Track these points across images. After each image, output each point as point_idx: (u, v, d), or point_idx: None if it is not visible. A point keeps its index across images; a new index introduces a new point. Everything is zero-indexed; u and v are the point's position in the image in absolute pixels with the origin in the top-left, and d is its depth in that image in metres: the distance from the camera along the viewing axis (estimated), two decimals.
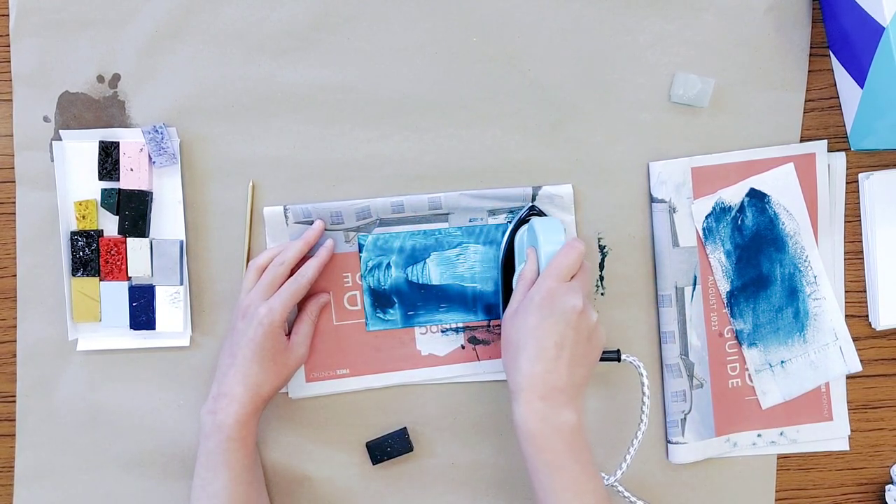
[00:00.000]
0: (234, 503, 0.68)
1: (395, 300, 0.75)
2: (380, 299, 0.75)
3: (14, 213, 0.76)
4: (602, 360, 0.68)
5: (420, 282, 0.75)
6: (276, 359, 0.70)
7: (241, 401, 0.68)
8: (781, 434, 0.78)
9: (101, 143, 0.74)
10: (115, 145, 0.74)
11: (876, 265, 0.77)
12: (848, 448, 0.79)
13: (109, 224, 0.75)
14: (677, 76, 0.75)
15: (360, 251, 0.74)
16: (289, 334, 0.73)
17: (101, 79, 0.75)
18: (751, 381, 0.77)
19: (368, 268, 0.75)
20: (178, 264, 0.75)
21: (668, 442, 0.77)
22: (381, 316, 0.75)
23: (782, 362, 0.77)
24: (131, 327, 0.75)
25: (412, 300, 0.75)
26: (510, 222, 0.74)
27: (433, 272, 0.75)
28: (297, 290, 0.70)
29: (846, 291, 0.79)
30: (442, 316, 0.75)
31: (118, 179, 0.74)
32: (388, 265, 0.74)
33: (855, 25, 0.70)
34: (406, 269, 0.74)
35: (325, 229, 0.75)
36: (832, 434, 0.79)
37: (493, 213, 0.75)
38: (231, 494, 0.68)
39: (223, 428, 0.68)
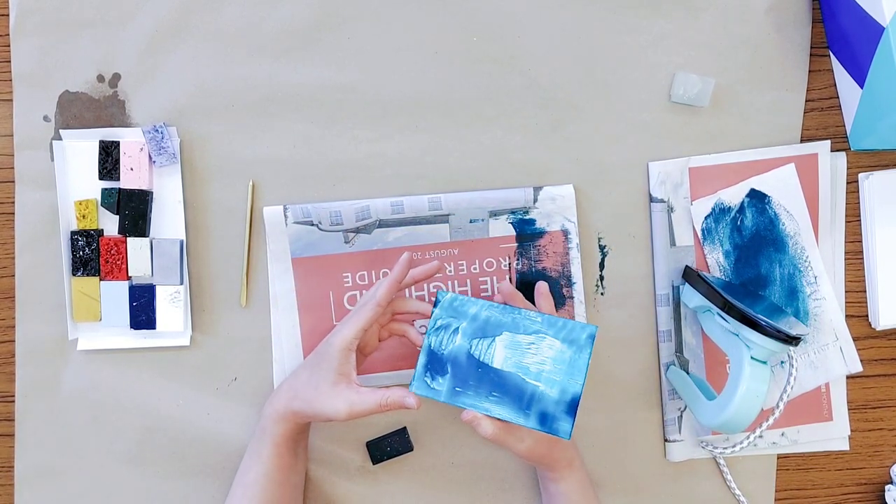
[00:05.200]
0: (265, 500, 0.68)
1: (449, 370, 0.66)
2: (434, 364, 0.66)
3: (14, 213, 0.76)
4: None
5: (481, 359, 0.66)
6: (319, 383, 0.66)
7: (280, 398, 0.69)
8: (783, 435, 0.78)
9: (102, 142, 0.74)
10: (116, 145, 0.74)
11: (876, 265, 0.77)
12: (848, 448, 0.79)
13: (109, 223, 0.75)
14: (677, 76, 0.75)
15: (435, 306, 0.67)
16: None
17: (101, 78, 0.75)
18: None
19: (436, 325, 0.67)
20: (179, 264, 0.75)
21: (666, 440, 0.77)
22: (428, 381, 0.66)
23: (782, 363, 0.77)
24: (131, 327, 0.75)
25: (465, 376, 0.66)
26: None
27: (498, 353, 0.66)
28: (363, 313, 0.66)
29: (846, 291, 0.79)
30: (489, 405, 0.65)
31: (118, 179, 0.74)
32: (456, 330, 0.67)
33: (855, 25, 0.70)
34: (472, 341, 0.67)
35: (325, 230, 0.75)
36: (832, 434, 0.79)
37: (494, 214, 0.75)
38: (263, 490, 0.68)
39: (262, 417, 0.70)
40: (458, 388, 0.66)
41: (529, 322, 0.66)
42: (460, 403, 0.65)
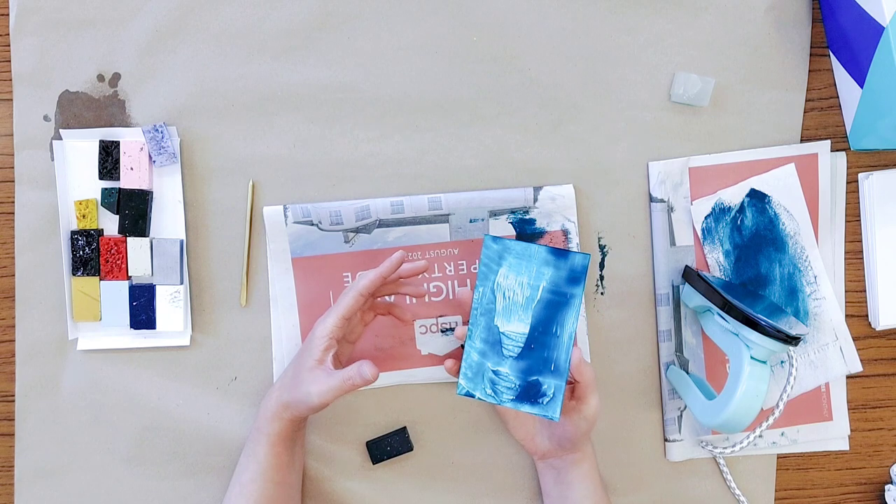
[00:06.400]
0: (262, 499, 0.68)
1: (537, 377, 0.65)
2: (529, 394, 0.65)
3: (14, 213, 0.76)
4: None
5: (523, 345, 0.66)
6: (300, 371, 0.68)
7: (272, 395, 0.70)
8: (782, 434, 0.78)
9: (102, 142, 0.74)
10: (116, 144, 0.74)
11: (876, 265, 0.77)
12: (848, 448, 0.79)
13: (110, 223, 0.75)
14: (677, 76, 0.76)
15: (472, 397, 0.66)
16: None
17: (101, 78, 0.75)
18: None
19: (501, 393, 0.66)
20: (179, 264, 0.75)
21: (666, 440, 0.77)
22: (545, 399, 0.65)
23: (782, 362, 0.77)
24: (131, 327, 0.75)
25: (544, 358, 0.65)
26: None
27: (516, 327, 0.66)
28: (344, 302, 0.67)
29: (846, 291, 0.79)
30: (565, 337, 0.65)
31: (118, 179, 0.74)
32: (498, 373, 0.66)
33: (855, 25, 0.70)
34: (506, 356, 0.66)
35: (325, 230, 0.75)
36: (832, 434, 0.79)
37: (494, 213, 0.75)
38: (260, 489, 0.68)
39: (258, 416, 0.71)
40: (553, 367, 0.65)
41: (484, 300, 0.66)
42: (568, 366, 0.65)
